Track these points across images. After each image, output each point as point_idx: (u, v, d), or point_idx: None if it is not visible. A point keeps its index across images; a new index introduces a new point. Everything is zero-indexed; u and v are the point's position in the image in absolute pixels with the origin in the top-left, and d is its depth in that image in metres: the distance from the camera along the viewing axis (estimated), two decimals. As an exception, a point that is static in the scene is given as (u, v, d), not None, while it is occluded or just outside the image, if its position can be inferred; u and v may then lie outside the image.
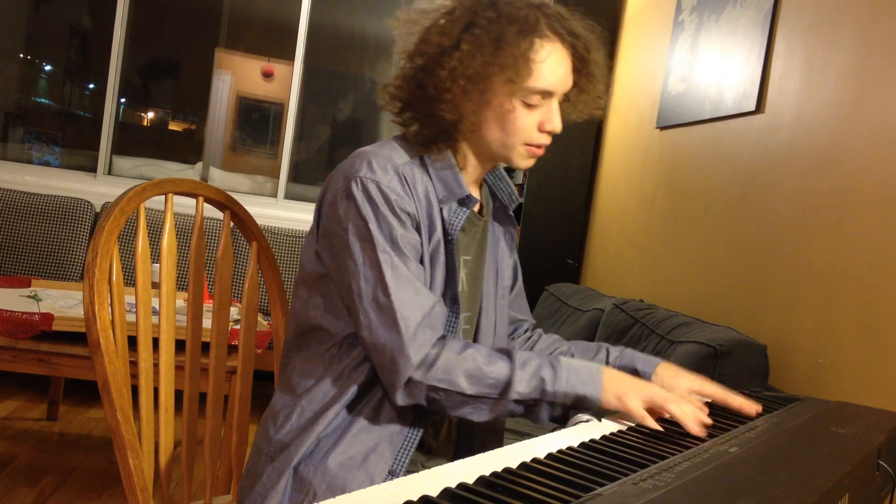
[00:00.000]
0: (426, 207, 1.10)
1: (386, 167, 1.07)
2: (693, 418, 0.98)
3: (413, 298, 1.04)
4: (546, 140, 1.14)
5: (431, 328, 1.05)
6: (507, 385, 1.02)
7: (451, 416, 1.06)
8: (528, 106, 1.10)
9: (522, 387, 1.02)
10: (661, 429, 0.97)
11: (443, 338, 1.06)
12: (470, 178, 1.18)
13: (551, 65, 1.09)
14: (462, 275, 1.17)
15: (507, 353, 1.06)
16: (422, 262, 1.10)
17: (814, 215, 1.83)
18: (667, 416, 1.01)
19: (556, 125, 1.12)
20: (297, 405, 1.11)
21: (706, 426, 0.98)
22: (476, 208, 1.21)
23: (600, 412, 1.05)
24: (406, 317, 1.03)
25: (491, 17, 1.07)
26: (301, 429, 1.09)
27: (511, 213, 1.30)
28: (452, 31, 1.08)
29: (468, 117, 1.10)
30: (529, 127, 1.11)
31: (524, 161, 1.15)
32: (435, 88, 1.08)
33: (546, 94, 1.10)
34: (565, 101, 1.16)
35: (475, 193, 1.19)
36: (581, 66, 1.14)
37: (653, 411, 1.02)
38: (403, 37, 1.14)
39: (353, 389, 1.09)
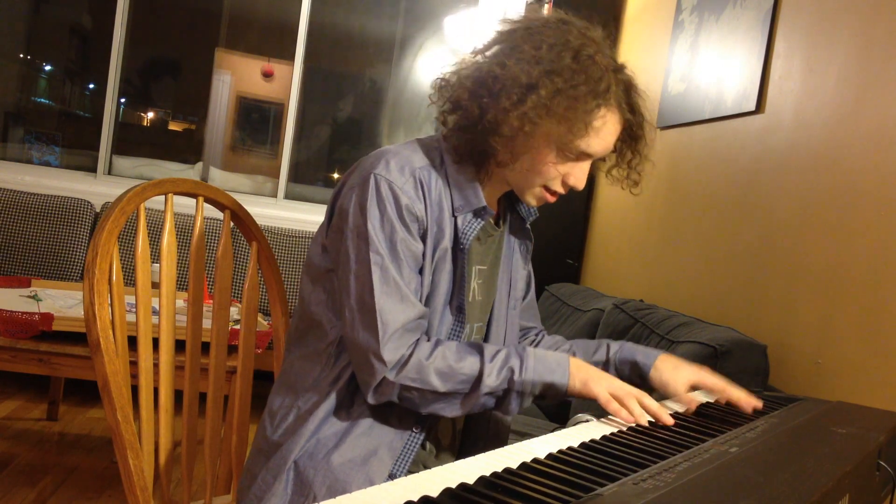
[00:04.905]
0: (437, 214, 1.10)
1: (403, 168, 1.07)
2: (642, 416, 1.01)
3: (396, 305, 1.04)
4: (563, 191, 1.14)
5: (411, 333, 1.05)
6: (477, 379, 1.04)
7: (422, 412, 1.07)
8: (564, 161, 1.10)
9: (492, 379, 1.04)
10: (628, 416, 1.01)
11: (417, 339, 1.07)
12: (488, 191, 1.18)
13: (603, 134, 1.10)
14: (475, 284, 1.17)
15: (476, 347, 1.07)
16: (422, 270, 1.09)
17: (814, 215, 1.83)
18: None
19: (581, 185, 1.13)
20: (294, 405, 1.11)
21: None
22: (493, 219, 1.21)
23: (567, 399, 1.08)
24: (385, 321, 1.03)
25: (573, 68, 1.04)
26: (295, 429, 1.09)
27: (528, 227, 1.29)
28: (533, 71, 1.04)
29: (507, 154, 1.10)
30: (555, 176, 1.12)
31: (534, 201, 1.16)
32: (494, 118, 1.05)
33: (584, 157, 1.11)
34: (600, 160, 1.17)
35: (492, 205, 1.19)
36: (627, 140, 1.16)
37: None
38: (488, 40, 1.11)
39: (350, 391, 1.09)
